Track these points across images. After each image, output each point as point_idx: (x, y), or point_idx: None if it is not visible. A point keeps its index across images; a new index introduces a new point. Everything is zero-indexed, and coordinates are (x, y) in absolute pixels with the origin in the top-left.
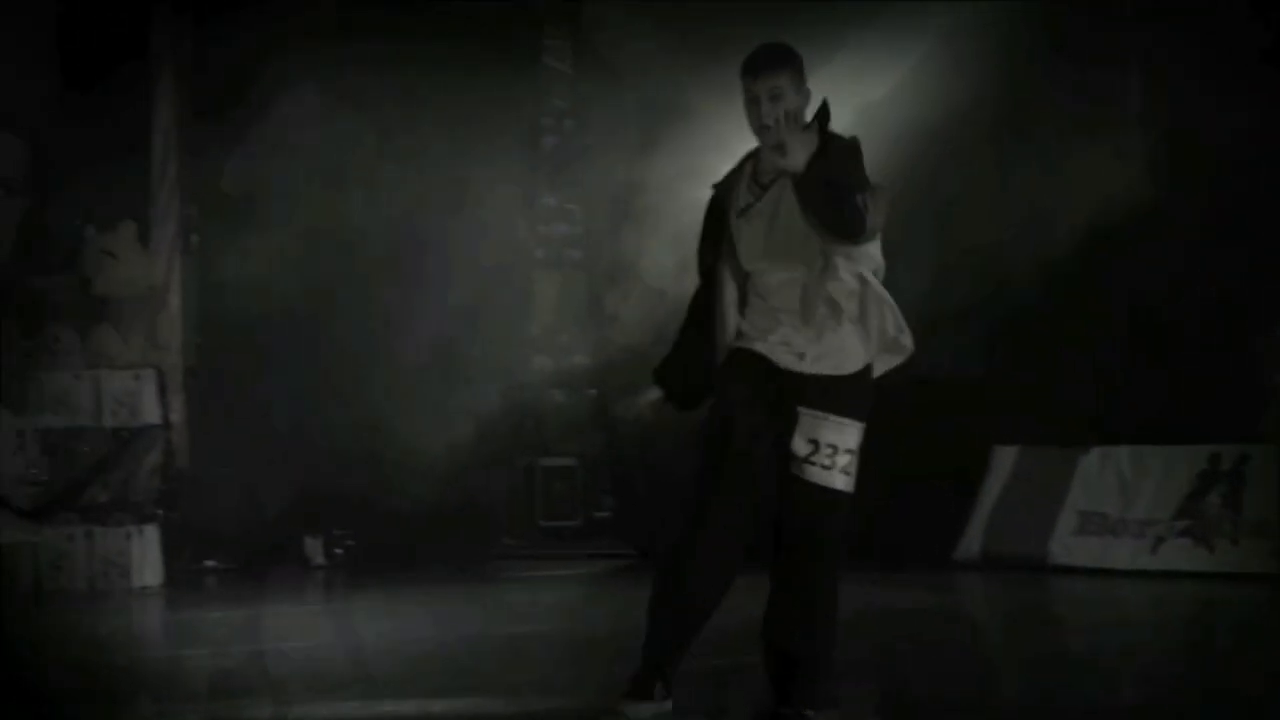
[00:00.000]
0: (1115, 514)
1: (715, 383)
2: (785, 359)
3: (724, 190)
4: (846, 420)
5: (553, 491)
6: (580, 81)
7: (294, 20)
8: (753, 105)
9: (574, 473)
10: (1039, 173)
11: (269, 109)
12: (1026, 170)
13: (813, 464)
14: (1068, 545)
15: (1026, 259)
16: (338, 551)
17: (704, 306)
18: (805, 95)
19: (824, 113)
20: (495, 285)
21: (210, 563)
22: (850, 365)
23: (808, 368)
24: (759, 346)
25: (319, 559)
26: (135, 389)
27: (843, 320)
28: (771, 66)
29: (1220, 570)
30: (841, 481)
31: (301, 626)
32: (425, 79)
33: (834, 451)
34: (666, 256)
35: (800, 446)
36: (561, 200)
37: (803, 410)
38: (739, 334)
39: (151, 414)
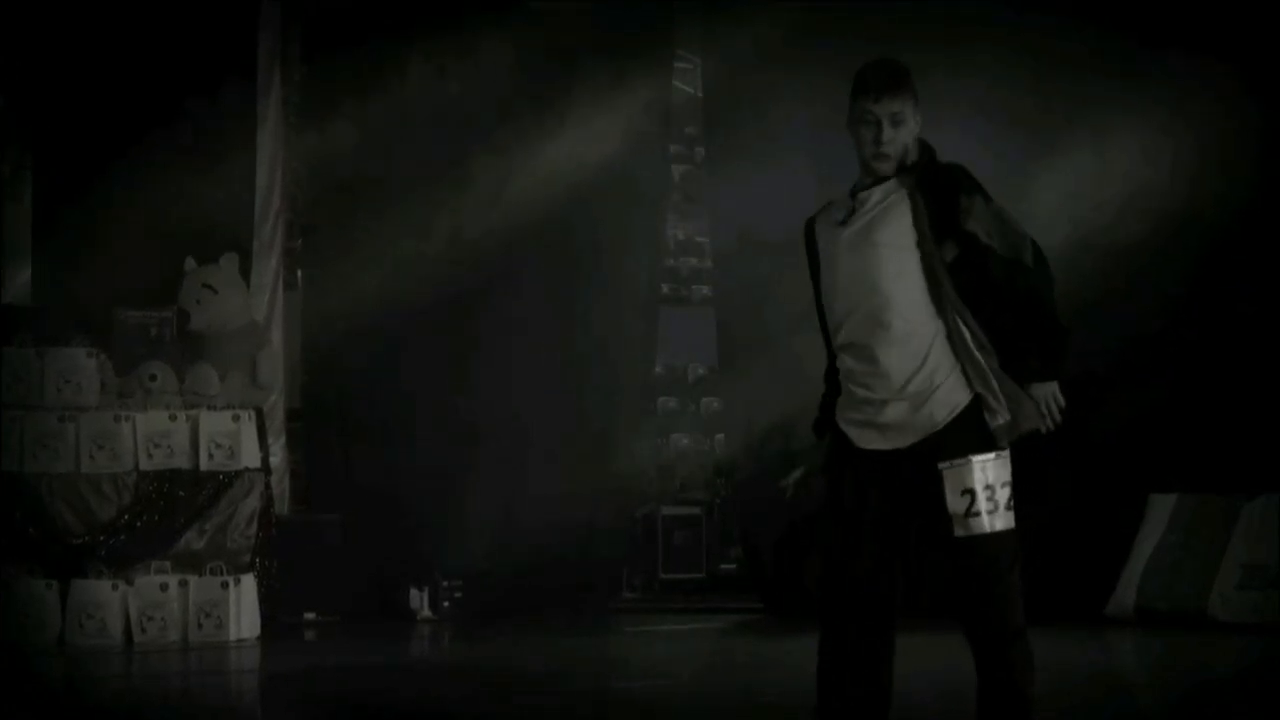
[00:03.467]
0: None
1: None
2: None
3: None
4: (990, 454)
5: (675, 542)
6: (713, 107)
7: (408, 43)
8: (868, 128)
9: (698, 522)
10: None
11: (378, 136)
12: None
13: (976, 515)
14: (1229, 600)
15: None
16: (445, 604)
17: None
18: (918, 123)
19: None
20: (619, 321)
21: (310, 614)
22: (962, 395)
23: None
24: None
25: (425, 611)
26: (234, 430)
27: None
28: (895, 88)
29: None
30: (1007, 520)
31: (404, 681)
32: (550, 102)
33: (992, 492)
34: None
35: (956, 504)
36: (690, 233)
37: (942, 466)
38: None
39: (251, 457)
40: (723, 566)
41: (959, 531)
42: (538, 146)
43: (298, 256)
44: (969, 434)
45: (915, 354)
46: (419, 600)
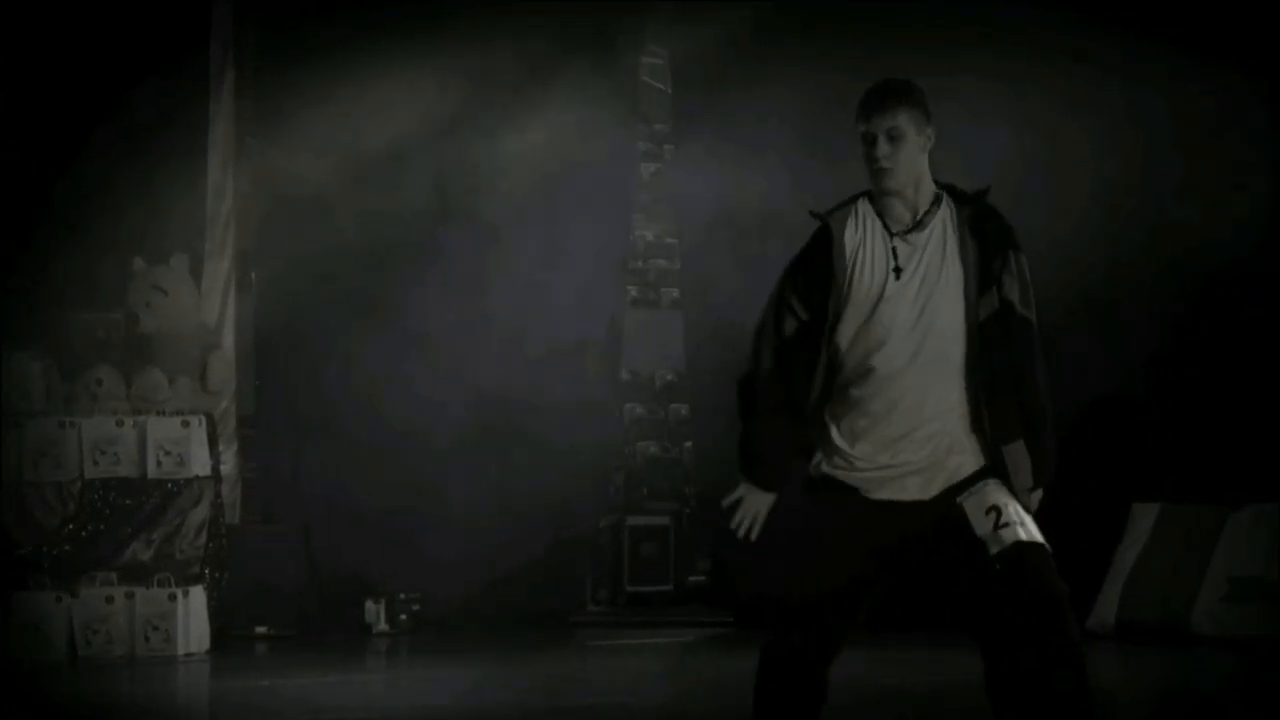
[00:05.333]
0: (1269, 579)
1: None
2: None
3: (839, 226)
4: (993, 479)
5: (642, 553)
6: (683, 103)
7: (366, 41)
8: (866, 146)
9: (666, 533)
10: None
11: (332, 138)
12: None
13: (1007, 525)
14: (1213, 613)
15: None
16: (402, 617)
17: (800, 364)
18: (928, 138)
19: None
20: (584, 325)
21: (261, 629)
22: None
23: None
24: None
25: (382, 625)
26: (183, 437)
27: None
28: (888, 103)
29: None
30: (1036, 535)
31: (360, 698)
32: (510, 98)
33: (1016, 509)
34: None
35: (983, 524)
36: (660, 234)
37: (961, 500)
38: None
39: (200, 465)
40: (691, 579)
41: (994, 549)
42: (500, 145)
43: (250, 258)
44: (985, 474)
45: (945, 412)
46: (375, 614)
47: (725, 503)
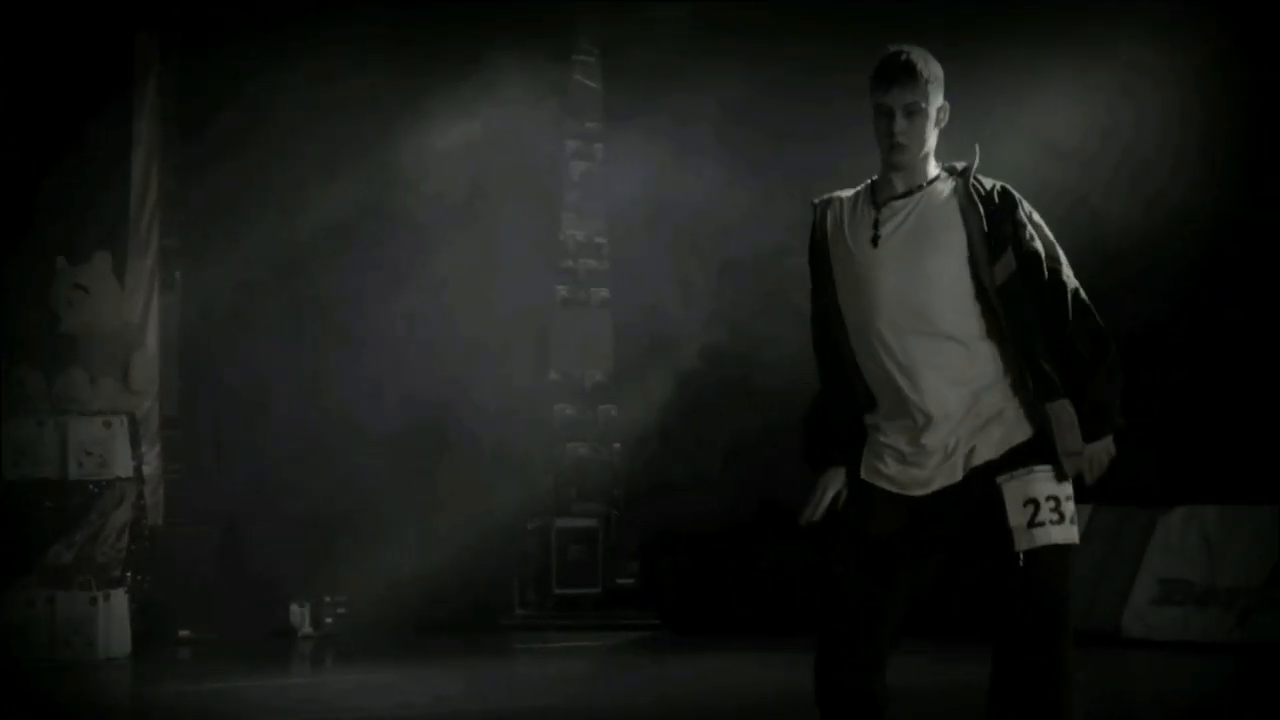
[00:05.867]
0: (1200, 582)
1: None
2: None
3: (825, 206)
4: (1050, 466)
5: (570, 555)
6: (614, 102)
7: (290, 38)
8: (882, 120)
9: (595, 535)
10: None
11: (258, 134)
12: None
13: (1041, 525)
14: (1144, 616)
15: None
16: (328, 620)
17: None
18: (945, 111)
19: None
20: (513, 326)
21: (185, 632)
22: (1020, 434)
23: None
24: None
25: (307, 628)
26: (105, 438)
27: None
28: (907, 78)
29: None
30: (1069, 535)
31: (284, 702)
32: (439, 97)
33: (1057, 502)
34: (701, 296)
35: (1018, 515)
36: (590, 233)
37: (1001, 480)
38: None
39: (123, 466)
40: (620, 581)
41: (1021, 545)
42: (429, 144)
43: (174, 256)
44: (1029, 455)
45: (968, 384)
46: (300, 617)
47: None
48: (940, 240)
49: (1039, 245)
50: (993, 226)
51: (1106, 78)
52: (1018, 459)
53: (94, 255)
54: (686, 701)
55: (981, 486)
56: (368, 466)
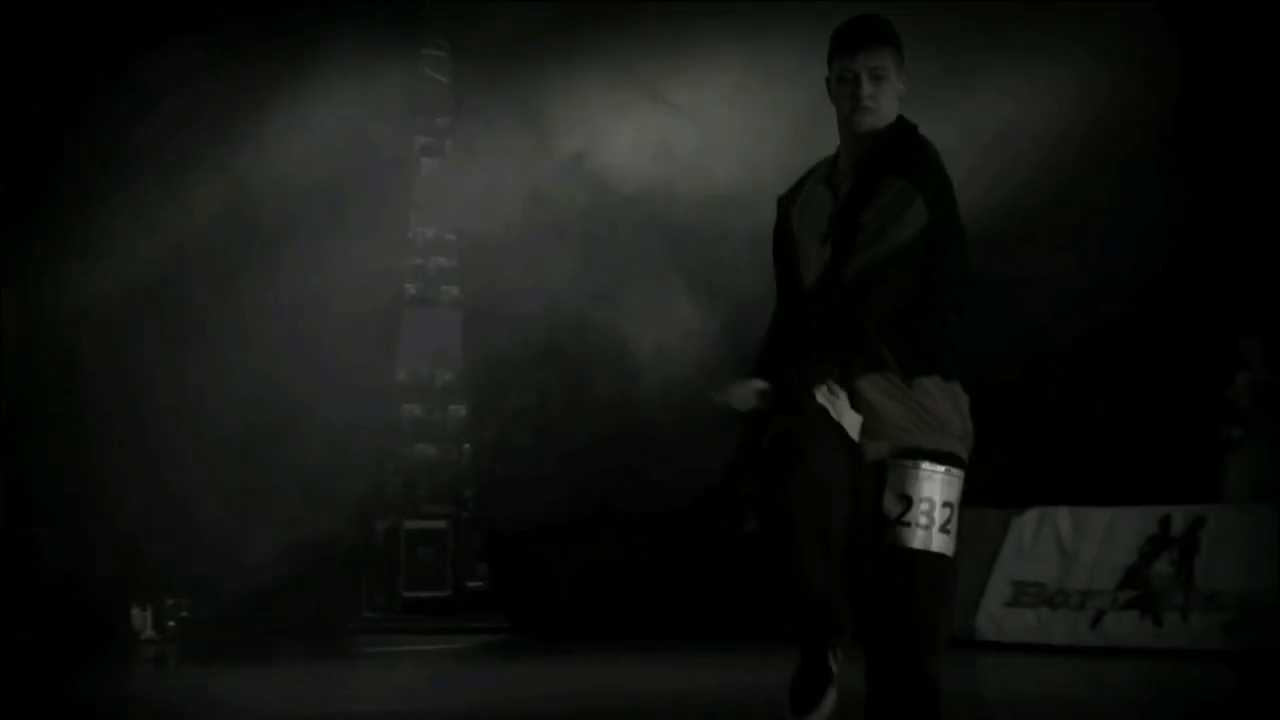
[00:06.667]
0: (1052, 584)
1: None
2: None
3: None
4: (942, 468)
5: (419, 558)
6: (464, 97)
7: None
8: (847, 85)
9: (444, 537)
10: None
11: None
12: None
13: (908, 524)
14: (997, 619)
15: None
16: (170, 624)
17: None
18: (906, 79)
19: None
20: (360, 325)
21: (24, 636)
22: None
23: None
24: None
25: (149, 632)
26: None
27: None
28: (875, 41)
29: (1169, 646)
30: (941, 544)
31: (122, 707)
32: (285, 93)
33: (931, 507)
34: (553, 297)
35: (892, 505)
36: (439, 230)
37: (889, 462)
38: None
39: None
40: (469, 584)
41: (887, 538)
42: (275, 141)
43: (11, 257)
44: (925, 438)
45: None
46: (142, 620)
47: None
48: (859, 217)
49: (902, 225)
50: (884, 199)
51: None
52: (917, 450)
53: None
54: (530, 706)
55: (876, 463)
56: (212, 468)
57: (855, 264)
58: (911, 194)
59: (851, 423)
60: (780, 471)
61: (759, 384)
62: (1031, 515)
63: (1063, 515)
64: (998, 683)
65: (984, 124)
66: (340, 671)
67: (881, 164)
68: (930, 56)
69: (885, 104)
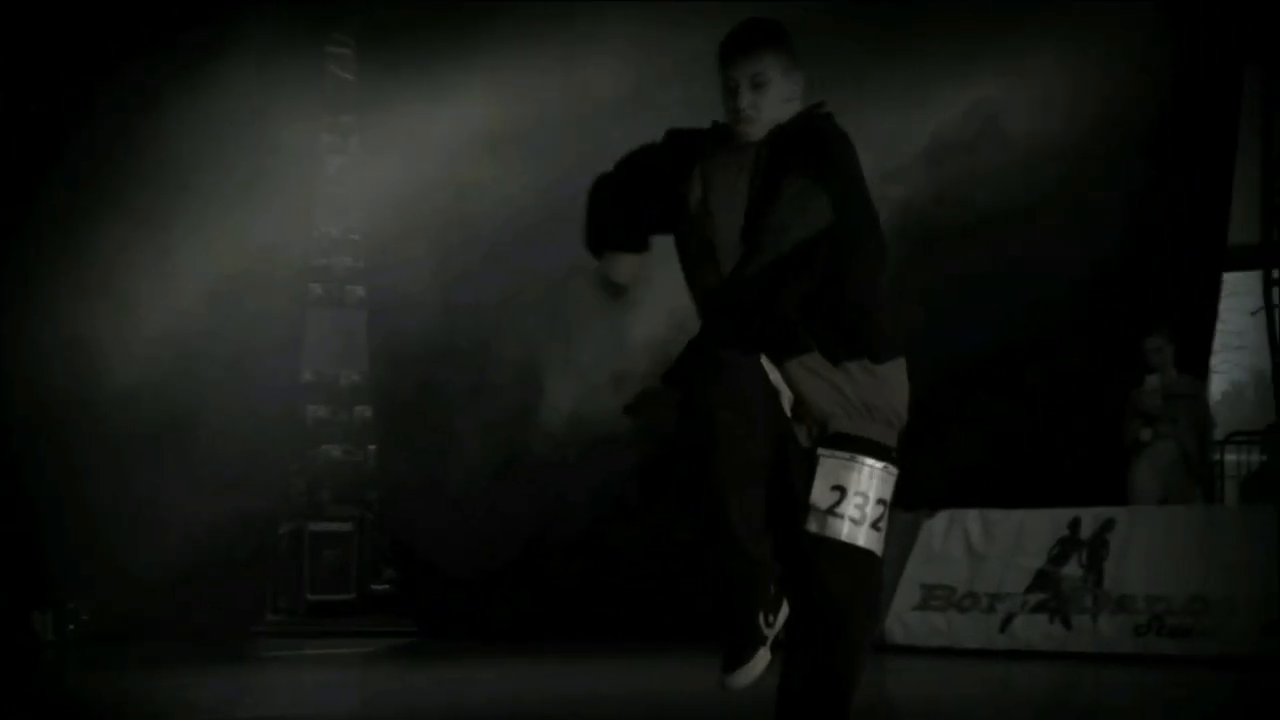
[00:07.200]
0: (961, 587)
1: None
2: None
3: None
4: (880, 464)
5: (324, 560)
6: (369, 93)
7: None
8: (729, 95)
9: (349, 539)
10: None
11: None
12: None
13: (839, 517)
14: (906, 622)
15: None
16: (71, 627)
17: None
18: (797, 81)
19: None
20: (264, 324)
21: None
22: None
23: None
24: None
25: (49, 635)
26: None
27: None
28: (754, 47)
29: (1078, 650)
30: (870, 540)
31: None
32: (186, 87)
33: (864, 501)
34: (459, 295)
35: (822, 496)
36: (344, 230)
37: (822, 452)
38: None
39: None
40: (374, 587)
41: (813, 526)
42: (176, 138)
43: None
44: (863, 441)
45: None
46: (42, 624)
47: None
48: (762, 198)
49: (805, 210)
50: (799, 181)
51: None
52: (850, 441)
53: None
54: (432, 711)
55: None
56: (112, 468)
57: (760, 262)
58: (815, 190)
59: (785, 394)
60: (705, 385)
61: (635, 256)
62: (941, 518)
63: (972, 518)
64: (907, 686)
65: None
66: (241, 676)
67: (786, 160)
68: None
69: (768, 110)
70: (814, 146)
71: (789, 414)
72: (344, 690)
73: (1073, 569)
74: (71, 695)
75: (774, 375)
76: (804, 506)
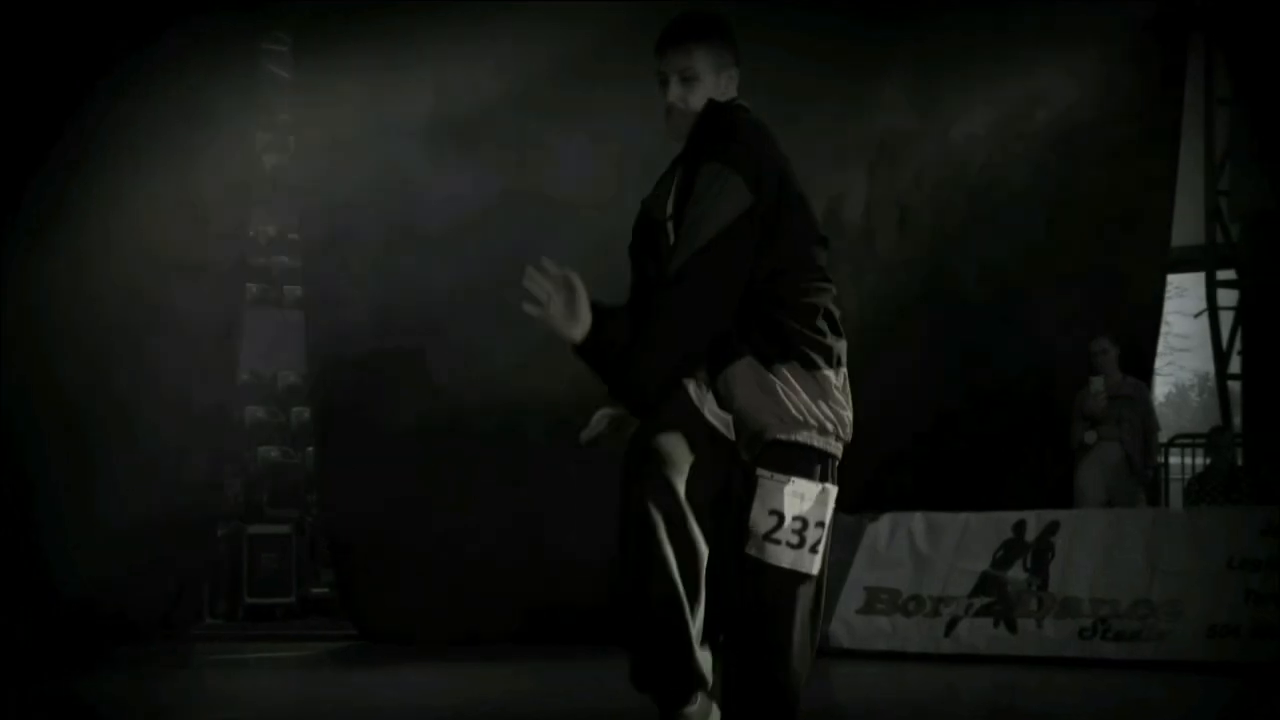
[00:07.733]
0: (906, 590)
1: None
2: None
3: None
4: (814, 484)
5: (262, 563)
6: (306, 92)
7: None
8: (660, 88)
9: (287, 542)
10: None
11: None
12: None
13: (776, 543)
14: (851, 625)
15: None
16: None
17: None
18: (732, 78)
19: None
20: (200, 324)
21: None
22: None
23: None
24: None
25: None
26: None
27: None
28: (682, 40)
29: (1023, 654)
30: (808, 564)
31: None
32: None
33: (803, 525)
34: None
35: (760, 520)
36: (282, 229)
37: (761, 474)
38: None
39: None
40: (314, 590)
41: (750, 549)
42: (112, 137)
43: None
44: (797, 460)
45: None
46: None
47: None
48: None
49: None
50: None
51: None
52: (786, 447)
53: None
54: (373, 714)
55: (753, 464)
56: (43, 467)
57: (683, 256)
58: (726, 174)
59: (723, 421)
60: (635, 481)
61: (607, 410)
62: (885, 521)
63: (917, 521)
64: (851, 691)
65: None
66: (177, 680)
67: (696, 151)
68: None
69: (697, 105)
70: (723, 132)
71: (730, 436)
72: (284, 694)
73: (1017, 572)
74: (5, 703)
75: (708, 407)
76: (744, 529)
